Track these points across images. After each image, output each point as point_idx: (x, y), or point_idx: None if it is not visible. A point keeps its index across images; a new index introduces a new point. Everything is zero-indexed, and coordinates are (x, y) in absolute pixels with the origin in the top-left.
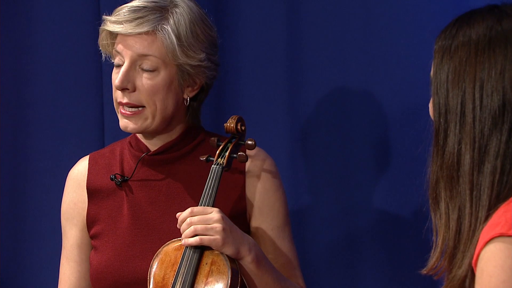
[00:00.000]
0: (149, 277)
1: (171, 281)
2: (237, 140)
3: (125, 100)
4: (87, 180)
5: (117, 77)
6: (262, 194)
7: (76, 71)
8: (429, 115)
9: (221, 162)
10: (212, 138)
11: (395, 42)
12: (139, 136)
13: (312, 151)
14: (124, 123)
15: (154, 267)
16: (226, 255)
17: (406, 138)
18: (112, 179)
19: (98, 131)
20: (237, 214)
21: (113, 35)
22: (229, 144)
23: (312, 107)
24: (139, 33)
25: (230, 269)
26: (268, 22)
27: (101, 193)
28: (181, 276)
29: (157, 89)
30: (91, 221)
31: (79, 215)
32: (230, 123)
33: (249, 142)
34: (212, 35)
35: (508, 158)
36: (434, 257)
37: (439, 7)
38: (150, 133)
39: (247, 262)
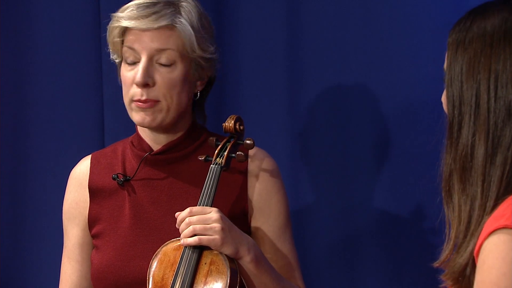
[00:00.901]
0: (148, 277)
1: (170, 281)
2: (236, 139)
3: (144, 97)
4: (89, 180)
5: (130, 74)
6: (264, 194)
7: (76, 71)
8: (430, 115)
9: (220, 161)
10: (211, 138)
11: (395, 42)
12: (143, 135)
13: (312, 151)
14: (142, 115)
15: (153, 267)
16: (225, 255)
17: (406, 137)
18: (114, 179)
19: (98, 131)
20: (238, 214)
21: (123, 33)
22: (227, 144)
23: (312, 107)
24: (157, 28)
25: (229, 269)
26: (268, 22)
27: (103, 192)
28: (180, 276)
29: (175, 83)
30: (92, 221)
31: (80, 215)
32: (229, 123)
33: (248, 141)
34: (213, 28)
35: None
36: (447, 250)
37: (440, 7)
38: (161, 129)
39: (246, 262)
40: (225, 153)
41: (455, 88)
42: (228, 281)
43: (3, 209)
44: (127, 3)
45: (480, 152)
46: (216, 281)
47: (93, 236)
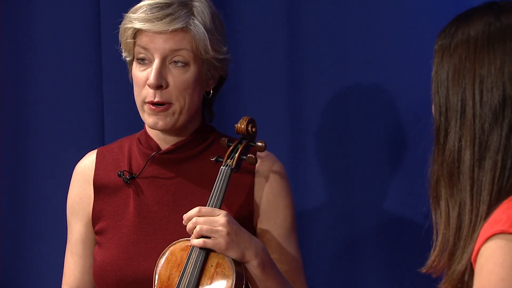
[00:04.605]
0: (155, 276)
1: (176, 281)
2: (248, 141)
3: (157, 99)
4: (94, 175)
5: (143, 74)
6: (271, 198)
7: (76, 71)
8: (430, 115)
9: (230, 163)
10: (223, 138)
11: (396, 42)
12: (151, 133)
13: (312, 151)
14: (154, 119)
15: (160, 266)
16: (232, 258)
17: (407, 138)
18: (119, 176)
19: (98, 131)
20: (244, 216)
21: (135, 33)
22: (239, 145)
23: (312, 107)
24: (171, 31)
25: (234, 273)
26: (268, 22)
27: (108, 189)
28: (186, 277)
29: (187, 84)
30: (96, 217)
31: (84, 210)
32: (241, 124)
33: (259, 144)
34: (224, 28)
35: (509, 153)
36: (433, 255)
37: (440, 7)
38: (172, 130)
39: (253, 266)
40: (236, 155)
41: (441, 94)
42: (233, 284)
43: (3, 209)
44: (128, 3)
45: (466, 156)
46: (221, 284)
47: (96, 233)
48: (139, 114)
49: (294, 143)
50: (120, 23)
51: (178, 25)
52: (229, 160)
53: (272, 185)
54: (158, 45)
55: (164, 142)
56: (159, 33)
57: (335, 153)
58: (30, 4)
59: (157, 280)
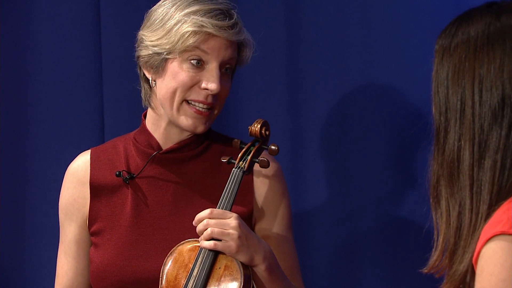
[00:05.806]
0: (162, 275)
1: (183, 281)
2: (260, 144)
3: (209, 100)
4: (90, 176)
5: (195, 75)
6: (269, 197)
7: (76, 71)
8: (430, 115)
9: (243, 165)
10: (235, 140)
11: (396, 42)
12: (153, 131)
13: (312, 152)
14: (195, 122)
15: (168, 265)
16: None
17: (407, 137)
18: (118, 176)
19: (98, 131)
20: (243, 215)
21: (199, 34)
22: (252, 148)
23: (313, 107)
24: (238, 40)
25: (242, 276)
26: (268, 21)
27: (105, 189)
28: (193, 278)
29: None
30: (93, 218)
31: (78, 211)
32: (255, 127)
33: (273, 147)
34: None
35: (508, 153)
36: (435, 256)
37: (440, 7)
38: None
39: (261, 270)
40: (249, 158)
41: (441, 94)
42: (242, 287)
43: (3, 209)
44: (128, 3)
45: (466, 156)
46: (229, 286)
47: (93, 234)
48: (167, 113)
49: (294, 143)
50: (120, 23)
51: (242, 36)
52: (241, 162)
53: (271, 185)
54: (220, 52)
55: (169, 140)
56: (227, 40)
57: (335, 153)
58: (30, 4)
59: (164, 279)
